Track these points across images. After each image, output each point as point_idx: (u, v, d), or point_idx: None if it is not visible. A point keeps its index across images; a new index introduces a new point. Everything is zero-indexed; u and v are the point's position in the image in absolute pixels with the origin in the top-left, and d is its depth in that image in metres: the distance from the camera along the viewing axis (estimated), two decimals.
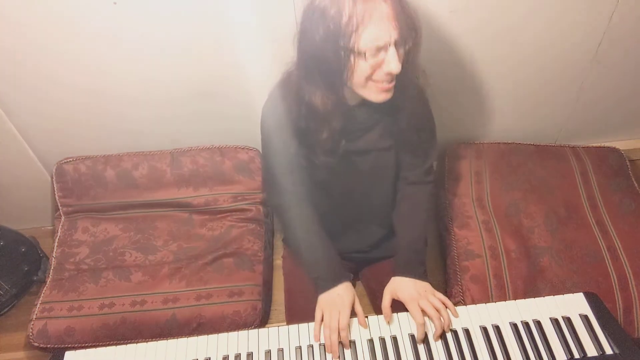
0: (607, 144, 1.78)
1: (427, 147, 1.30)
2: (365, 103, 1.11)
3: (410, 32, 0.99)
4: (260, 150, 1.29)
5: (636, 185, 1.63)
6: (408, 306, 1.14)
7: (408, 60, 1.03)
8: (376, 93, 1.05)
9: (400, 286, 1.19)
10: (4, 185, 1.74)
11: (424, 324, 1.11)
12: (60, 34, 1.37)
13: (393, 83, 1.04)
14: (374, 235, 1.37)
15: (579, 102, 1.71)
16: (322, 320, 1.15)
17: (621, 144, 1.82)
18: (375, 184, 1.28)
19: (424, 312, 1.12)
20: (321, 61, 1.01)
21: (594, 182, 1.62)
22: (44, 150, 1.67)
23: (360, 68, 0.99)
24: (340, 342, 1.11)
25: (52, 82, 1.48)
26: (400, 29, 0.96)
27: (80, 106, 1.55)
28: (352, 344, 1.11)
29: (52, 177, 1.67)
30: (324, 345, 1.11)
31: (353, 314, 1.16)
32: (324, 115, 1.09)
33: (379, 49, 0.97)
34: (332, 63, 1.00)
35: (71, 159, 1.66)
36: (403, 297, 1.16)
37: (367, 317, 1.16)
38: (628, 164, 1.70)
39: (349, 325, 1.13)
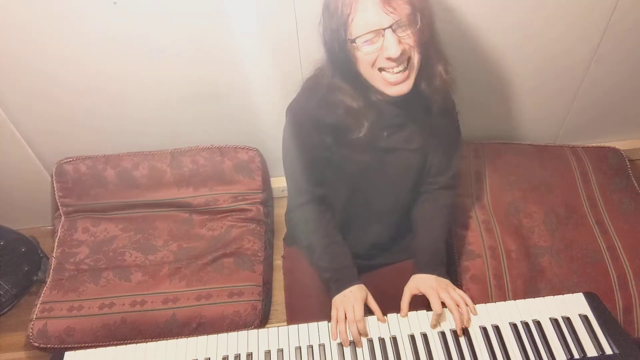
0: (607, 144, 1.78)
1: (454, 152, 1.29)
2: (394, 101, 1.09)
3: (413, 14, 0.96)
4: (282, 149, 1.25)
5: (636, 185, 1.63)
6: (428, 295, 1.14)
7: (421, 44, 1.00)
8: (386, 85, 1.03)
9: (421, 280, 1.19)
10: (4, 185, 1.74)
11: (442, 313, 1.11)
12: (60, 34, 1.37)
13: (404, 73, 1.01)
14: (376, 236, 1.37)
15: (578, 102, 1.71)
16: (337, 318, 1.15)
17: (621, 144, 1.82)
18: (395, 184, 1.27)
19: (443, 305, 1.13)
20: (337, 58, 1.02)
21: (594, 182, 1.62)
22: (44, 150, 1.67)
23: (361, 57, 0.99)
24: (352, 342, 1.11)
25: (52, 82, 1.48)
26: (395, 13, 0.93)
27: (80, 106, 1.55)
28: (352, 344, 1.11)
29: (52, 177, 1.67)
30: (323, 346, 1.11)
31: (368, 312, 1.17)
32: (357, 113, 1.09)
33: (375, 35, 0.96)
34: (342, 57, 1.00)
35: (71, 159, 1.66)
36: (424, 289, 1.16)
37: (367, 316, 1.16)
38: (628, 164, 1.70)
39: (364, 317, 1.13)
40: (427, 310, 1.16)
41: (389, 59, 0.98)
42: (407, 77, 1.02)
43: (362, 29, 0.95)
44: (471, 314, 1.14)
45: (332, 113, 1.11)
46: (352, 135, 1.12)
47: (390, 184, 1.27)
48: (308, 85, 1.18)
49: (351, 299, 1.16)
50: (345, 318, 1.13)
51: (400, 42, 0.96)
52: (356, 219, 1.32)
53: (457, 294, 1.15)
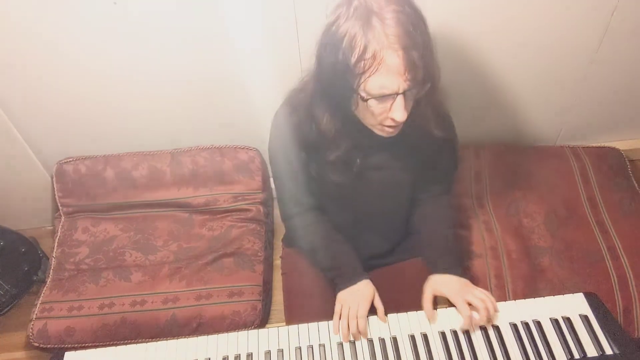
0: (607, 144, 1.78)
1: (448, 166, 1.28)
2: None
3: (425, 81, 0.94)
4: (268, 159, 1.24)
5: (636, 185, 1.63)
6: (454, 299, 1.14)
7: (423, 103, 0.99)
8: (381, 130, 1.01)
9: (442, 282, 1.18)
10: (4, 185, 1.74)
11: (471, 316, 1.11)
12: (60, 34, 1.37)
13: (400, 126, 1.00)
14: (373, 248, 1.37)
15: (578, 102, 1.71)
16: (340, 314, 1.15)
17: (621, 144, 1.82)
18: (386, 199, 1.26)
19: (470, 306, 1.13)
20: (331, 84, 0.98)
21: (594, 182, 1.62)
22: (44, 150, 1.67)
23: (365, 108, 0.96)
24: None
25: (52, 83, 1.48)
26: (412, 80, 0.91)
27: (80, 106, 1.55)
28: (352, 344, 1.11)
29: (52, 177, 1.67)
30: (323, 346, 1.11)
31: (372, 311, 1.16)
32: (334, 135, 1.06)
33: (385, 96, 0.93)
34: (340, 91, 0.97)
35: (71, 159, 1.66)
36: (447, 292, 1.15)
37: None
38: (628, 164, 1.70)
39: (366, 317, 1.13)
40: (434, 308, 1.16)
41: (392, 119, 0.96)
42: (400, 126, 1.01)
43: (376, 90, 0.92)
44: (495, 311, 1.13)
45: (307, 130, 1.10)
46: (327, 156, 1.10)
47: (381, 200, 1.25)
48: (291, 96, 1.16)
49: (358, 296, 1.15)
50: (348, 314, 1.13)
51: (407, 106, 0.95)
52: (350, 232, 1.30)
53: (481, 293, 1.15)
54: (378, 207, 1.27)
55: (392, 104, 0.94)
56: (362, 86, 0.92)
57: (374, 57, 0.88)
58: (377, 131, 1.02)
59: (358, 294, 1.16)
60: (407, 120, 0.98)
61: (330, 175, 1.13)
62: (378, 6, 0.89)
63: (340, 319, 1.14)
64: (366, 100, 0.94)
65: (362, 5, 0.90)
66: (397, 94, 0.92)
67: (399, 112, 0.94)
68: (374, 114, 0.97)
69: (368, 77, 0.90)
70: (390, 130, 1.01)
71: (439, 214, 1.29)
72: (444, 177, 1.29)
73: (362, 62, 0.89)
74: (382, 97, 0.93)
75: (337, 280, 1.20)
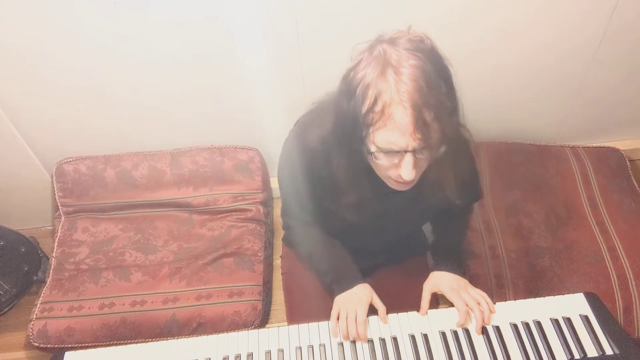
0: (607, 144, 1.78)
1: (470, 197, 1.26)
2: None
3: (439, 142, 0.87)
4: (278, 164, 1.18)
5: (636, 185, 1.63)
6: (450, 296, 1.14)
7: (443, 164, 0.93)
8: (393, 184, 0.96)
9: (441, 279, 1.18)
10: (4, 185, 1.74)
11: (467, 311, 1.12)
12: (60, 34, 1.37)
13: (414, 181, 0.94)
14: (378, 265, 1.36)
15: (578, 102, 1.71)
16: (337, 318, 1.14)
17: (621, 144, 1.82)
18: (398, 229, 1.25)
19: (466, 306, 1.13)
20: (346, 131, 0.92)
21: (594, 182, 1.62)
22: (44, 150, 1.67)
23: (374, 161, 0.92)
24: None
25: (52, 83, 1.48)
26: (422, 140, 0.84)
27: (81, 106, 1.55)
28: (353, 344, 1.11)
29: (52, 177, 1.67)
30: (323, 346, 1.11)
31: (372, 312, 1.16)
32: (351, 181, 1.01)
33: (394, 152, 0.87)
34: (354, 139, 0.91)
35: (71, 159, 1.66)
36: (444, 289, 1.16)
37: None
38: (628, 164, 1.70)
39: (365, 321, 1.13)
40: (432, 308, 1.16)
41: (399, 176, 0.91)
42: (413, 182, 0.95)
43: (384, 145, 0.86)
44: (491, 312, 1.14)
45: (322, 169, 1.04)
46: (341, 198, 1.06)
47: (393, 230, 1.23)
48: (305, 125, 1.10)
49: (355, 301, 1.14)
50: (347, 318, 1.12)
51: (416, 165, 0.89)
52: (356, 252, 1.28)
53: (477, 293, 1.15)
54: (391, 236, 1.26)
55: (400, 161, 0.89)
56: (370, 138, 0.87)
57: (382, 111, 0.84)
58: (390, 184, 0.97)
59: (355, 298, 1.15)
60: (424, 178, 0.94)
61: (344, 214, 1.09)
62: (397, 59, 0.84)
63: (338, 321, 1.13)
64: (373, 153, 0.89)
65: (382, 56, 0.85)
66: (406, 151, 0.87)
67: (406, 171, 0.88)
68: (384, 168, 0.93)
69: (376, 130, 0.86)
70: (402, 185, 0.95)
71: (454, 223, 1.30)
72: (468, 204, 1.29)
73: (372, 115, 0.85)
74: (390, 153, 0.88)
75: (334, 285, 1.20)
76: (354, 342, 1.11)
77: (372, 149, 0.88)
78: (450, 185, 1.02)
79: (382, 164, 0.91)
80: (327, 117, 0.98)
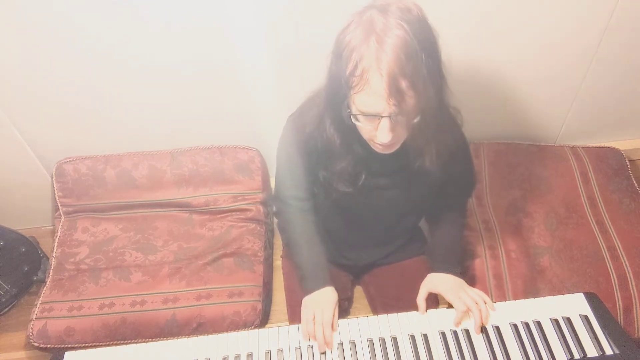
0: (607, 144, 1.78)
1: (463, 182, 1.28)
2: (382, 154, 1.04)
3: (415, 109, 0.91)
4: (276, 153, 1.24)
5: (636, 185, 1.63)
6: (448, 296, 1.15)
7: (420, 128, 0.96)
8: (374, 147, 1.01)
9: (438, 280, 1.20)
10: (4, 185, 1.74)
11: (466, 310, 1.12)
12: (60, 34, 1.37)
13: (394, 145, 0.99)
14: (372, 256, 1.37)
15: (578, 102, 1.71)
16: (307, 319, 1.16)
17: (621, 144, 1.82)
18: (392, 215, 1.26)
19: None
20: (334, 94, 0.97)
21: (594, 182, 1.62)
22: (44, 150, 1.67)
23: (356, 123, 0.96)
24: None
25: (52, 83, 1.48)
26: (397, 105, 0.88)
27: (80, 106, 1.55)
28: (352, 344, 1.11)
29: (52, 177, 1.67)
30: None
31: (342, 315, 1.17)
32: (340, 145, 1.06)
33: (371, 115, 0.92)
34: (340, 101, 0.96)
35: (71, 159, 1.66)
36: (442, 289, 1.17)
37: (365, 316, 1.16)
38: (628, 164, 1.70)
39: (332, 324, 1.14)
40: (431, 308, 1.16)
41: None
42: (393, 146, 0.99)
43: (362, 107, 0.91)
44: (490, 311, 1.15)
45: (317, 139, 1.09)
46: (334, 165, 1.10)
47: (386, 215, 1.25)
48: (309, 99, 1.15)
49: (322, 302, 1.17)
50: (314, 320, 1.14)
51: (392, 129, 0.93)
52: (351, 238, 1.31)
53: (475, 293, 1.16)
54: (381, 222, 1.27)
55: (378, 124, 0.93)
56: (351, 100, 0.92)
57: (361, 75, 0.88)
58: (374, 147, 1.01)
59: (322, 300, 1.17)
60: (408, 146, 0.98)
61: (336, 184, 1.13)
62: (382, 28, 0.87)
63: (307, 324, 1.14)
64: (354, 115, 0.94)
65: (368, 21, 0.88)
66: (382, 116, 0.91)
67: (382, 134, 0.93)
68: (366, 131, 0.97)
69: (355, 93, 0.90)
70: (382, 148, 0.99)
71: (453, 218, 1.31)
72: (462, 192, 1.30)
73: (353, 78, 0.89)
74: (369, 117, 0.92)
75: (301, 283, 1.22)
76: (353, 342, 1.11)
77: (354, 110, 0.93)
78: (431, 156, 1.06)
79: (362, 126, 0.96)
80: (322, 94, 1.04)
